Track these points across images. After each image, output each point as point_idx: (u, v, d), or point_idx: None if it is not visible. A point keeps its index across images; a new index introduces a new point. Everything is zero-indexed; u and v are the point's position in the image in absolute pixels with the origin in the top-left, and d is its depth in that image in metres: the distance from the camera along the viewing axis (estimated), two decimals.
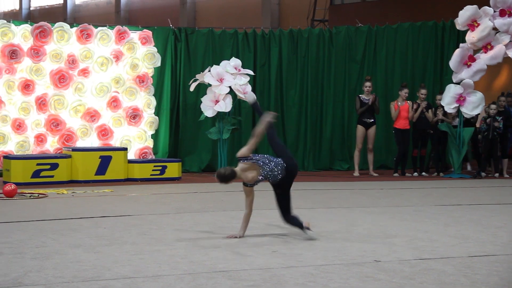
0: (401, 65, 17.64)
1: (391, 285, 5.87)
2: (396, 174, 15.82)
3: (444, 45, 17.77)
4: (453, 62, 15.69)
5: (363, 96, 15.80)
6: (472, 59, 15.59)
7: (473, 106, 15.57)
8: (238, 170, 7.79)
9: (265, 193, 11.92)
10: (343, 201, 11.62)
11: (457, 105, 15.59)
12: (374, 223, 9.14)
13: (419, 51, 17.71)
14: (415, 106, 15.74)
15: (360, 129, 15.83)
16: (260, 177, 7.88)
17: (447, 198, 12.11)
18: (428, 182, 14.79)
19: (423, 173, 16.01)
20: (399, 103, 15.77)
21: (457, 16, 15.78)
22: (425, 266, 6.61)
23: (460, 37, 16.97)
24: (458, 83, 15.68)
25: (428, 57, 17.73)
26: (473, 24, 15.54)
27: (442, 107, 15.78)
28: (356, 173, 15.87)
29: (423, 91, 15.95)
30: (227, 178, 7.71)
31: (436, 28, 17.74)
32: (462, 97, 15.55)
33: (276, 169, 7.93)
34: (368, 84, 15.78)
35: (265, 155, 8.06)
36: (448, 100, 15.61)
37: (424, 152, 16.13)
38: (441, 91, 16.13)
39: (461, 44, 15.81)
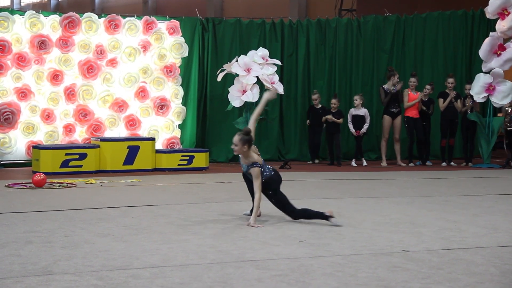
0: (431, 55, 17.53)
1: (420, 275, 5.84)
2: (411, 164, 15.71)
3: (474, 34, 17.62)
4: (482, 51, 15.56)
5: (386, 87, 15.73)
6: (502, 48, 15.45)
7: (503, 95, 15.44)
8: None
9: (291, 183, 11.92)
10: (371, 191, 11.57)
11: (486, 94, 15.47)
12: (402, 213, 9.10)
13: (449, 41, 17.57)
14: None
15: (387, 119, 15.76)
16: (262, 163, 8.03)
17: (476, 188, 12.03)
18: (457, 172, 14.70)
19: (452, 163, 15.91)
20: (412, 91, 15.70)
21: (487, 5, 15.64)
22: (453, 256, 6.57)
23: (490, 26, 16.81)
24: (487, 73, 15.56)
25: (458, 47, 17.59)
26: (503, 13, 15.39)
27: (471, 96, 15.66)
28: (384, 163, 15.80)
29: (451, 80, 15.84)
30: (249, 133, 7.93)
31: (465, 17, 17.59)
32: (492, 87, 15.43)
33: (266, 167, 8.07)
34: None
35: None
36: (477, 89, 15.50)
37: (453, 141, 16.03)
38: (470, 81, 16.00)
39: (491, 33, 15.68)
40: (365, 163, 15.75)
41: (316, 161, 16.26)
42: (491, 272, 5.98)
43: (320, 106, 15.97)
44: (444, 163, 15.92)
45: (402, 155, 16.61)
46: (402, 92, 15.79)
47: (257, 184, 8.03)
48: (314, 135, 16.10)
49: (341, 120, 15.61)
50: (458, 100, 15.81)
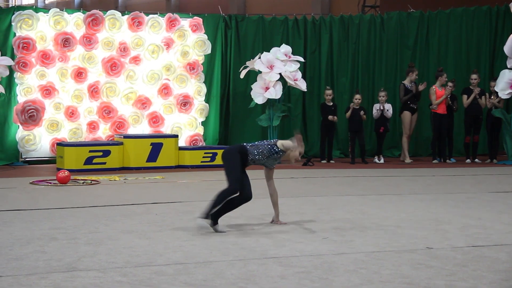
0: (454, 51, 17.41)
1: (444, 272, 5.82)
2: (435, 161, 15.61)
3: (498, 30, 17.49)
4: (507, 48, 15.43)
5: (407, 84, 15.65)
6: None
7: None
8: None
9: (314, 180, 11.92)
10: (394, 188, 11.54)
11: (511, 90, 15.36)
12: (426, 210, 9.07)
13: (472, 37, 17.45)
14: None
15: (407, 115, 15.68)
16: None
17: (501, 185, 11.95)
18: (481, 168, 14.60)
19: (476, 160, 15.80)
20: (439, 88, 15.59)
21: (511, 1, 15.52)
22: (478, 253, 6.54)
23: None
24: None
25: (482, 43, 17.47)
26: None
27: (496, 93, 15.55)
28: (408, 160, 15.72)
29: (474, 76, 15.73)
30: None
31: (490, 13, 17.46)
32: None
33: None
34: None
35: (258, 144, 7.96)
36: (502, 86, 15.38)
37: (477, 138, 15.92)
38: (495, 78, 15.89)
39: None
40: (382, 160, 15.69)
41: (332, 161, 15.81)
42: None
43: (331, 103, 15.73)
44: (468, 160, 15.82)
45: (425, 152, 16.55)
46: (424, 90, 15.69)
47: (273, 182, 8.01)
48: (328, 133, 15.73)
49: (364, 117, 15.49)
50: (483, 97, 15.70)
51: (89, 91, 14.81)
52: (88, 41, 14.71)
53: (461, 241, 7.10)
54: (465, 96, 15.72)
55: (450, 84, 15.65)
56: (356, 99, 15.56)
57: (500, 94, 15.45)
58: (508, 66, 15.54)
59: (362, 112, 15.38)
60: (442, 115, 15.56)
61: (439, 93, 15.53)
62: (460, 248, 6.77)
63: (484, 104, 15.67)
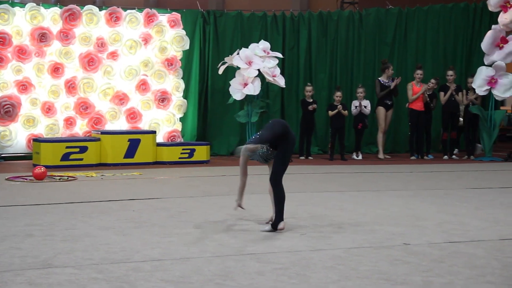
0: (432, 48, 17.50)
1: (421, 268, 5.84)
2: (413, 157, 15.68)
3: (475, 27, 17.60)
4: (485, 44, 15.54)
5: (383, 79, 15.70)
6: (504, 41, 15.43)
7: (505, 88, 15.44)
8: None
9: (293, 176, 11.92)
10: (372, 184, 11.57)
11: (488, 87, 15.46)
12: (404, 206, 9.10)
13: (449, 33, 17.55)
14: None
15: (381, 110, 15.72)
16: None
17: (478, 181, 12.03)
18: (459, 165, 14.69)
19: (453, 156, 15.90)
20: (416, 84, 15.64)
21: None
22: (455, 249, 6.57)
23: (492, 18, 16.78)
24: (489, 65, 15.53)
25: (458, 39, 17.57)
26: (506, 5, 15.37)
27: (473, 89, 15.64)
28: (381, 156, 15.75)
29: (450, 73, 15.82)
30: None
31: (468, 10, 17.58)
32: (494, 80, 15.41)
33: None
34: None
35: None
36: (479, 82, 15.49)
37: (455, 135, 16.01)
38: (472, 74, 15.98)
39: (493, 26, 15.65)
40: (360, 157, 15.74)
41: (310, 157, 15.81)
42: (493, 265, 5.98)
43: (312, 100, 15.73)
44: (445, 157, 15.91)
45: (403, 148, 16.63)
46: (398, 87, 15.71)
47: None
48: (307, 129, 15.71)
49: (346, 113, 15.51)
50: (460, 93, 15.80)
51: (66, 87, 14.73)
52: (65, 36, 14.63)
53: (438, 237, 7.13)
54: (442, 93, 15.82)
55: (433, 81, 15.72)
56: (337, 96, 15.55)
57: (477, 91, 15.55)
58: (485, 63, 15.65)
59: (340, 106, 15.34)
60: (419, 112, 15.62)
61: (416, 89, 15.58)
62: (437, 244, 6.80)
63: (461, 100, 15.77)
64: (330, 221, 7.96)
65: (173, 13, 15.66)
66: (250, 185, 11.14)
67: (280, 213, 7.36)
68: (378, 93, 15.75)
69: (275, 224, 7.34)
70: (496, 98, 15.66)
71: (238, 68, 15.00)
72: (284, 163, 7.47)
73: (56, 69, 14.62)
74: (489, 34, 15.54)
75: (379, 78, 15.82)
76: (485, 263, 6.05)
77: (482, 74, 15.49)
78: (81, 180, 11.69)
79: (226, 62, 15.08)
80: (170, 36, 15.42)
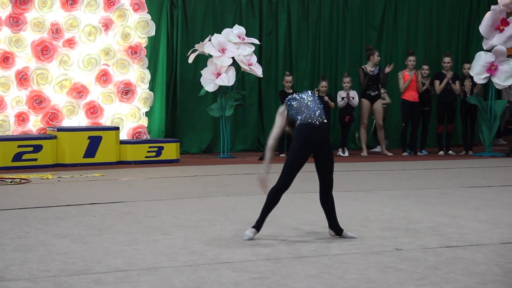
0: (425, 31, 17.59)
1: (414, 276, 5.88)
2: (405, 153, 15.75)
3: (473, 8, 17.71)
4: (483, 27, 15.60)
5: (367, 67, 15.69)
6: (505, 23, 15.52)
7: (506, 75, 15.51)
8: None
9: (272, 176, 11.95)
10: (360, 183, 11.62)
11: (487, 75, 15.54)
12: (395, 208, 9.15)
13: (444, 15, 17.63)
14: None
15: (365, 103, 15.73)
16: None
17: (477, 179, 12.11)
18: (456, 161, 14.78)
19: (450, 152, 15.98)
20: (408, 72, 15.68)
21: None
22: (452, 254, 6.62)
23: None
24: (489, 50, 15.61)
25: (454, 22, 17.67)
26: None
27: (471, 77, 15.72)
28: (364, 153, 15.79)
29: (447, 60, 15.89)
30: None
31: None
32: (494, 66, 15.49)
33: None
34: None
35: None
36: (477, 69, 15.54)
37: (451, 128, 16.09)
38: (470, 60, 16.06)
39: (492, 6, 15.73)
40: (346, 153, 15.80)
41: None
42: (494, 271, 6.03)
43: (291, 91, 15.75)
44: (441, 152, 16.00)
45: (394, 143, 16.69)
46: (386, 74, 15.75)
47: None
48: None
49: (332, 104, 15.54)
50: (456, 82, 15.85)
51: (17, 79, 14.64)
52: (15, 21, 14.54)
53: (433, 241, 7.18)
54: (437, 82, 15.87)
55: (425, 66, 15.75)
56: (322, 86, 15.57)
57: (475, 79, 15.60)
58: (484, 48, 15.72)
59: (326, 98, 15.36)
60: (412, 103, 15.65)
61: (407, 77, 15.61)
62: (432, 249, 6.84)
63: (458, 89, 15.83)
64: (313, 225, 7.98)
65: None
66: (226, 186, 11.17)
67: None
68: (361, 82, 15.71)
69: (338, 231, 7.40)
70: (496, 87, 15.75)
71: (210, 56, 14.99)
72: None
73: (5, 59, 14.54)
74: (487, 15, 15.60)
75: (363, 66, 15.81)
76: (485, 269, 6.10)
77: (480, 60, 15.55)
78: (36, 183, 11.65)
79: (197, 50, 15.06)
80: (133, 21, 15.37)
